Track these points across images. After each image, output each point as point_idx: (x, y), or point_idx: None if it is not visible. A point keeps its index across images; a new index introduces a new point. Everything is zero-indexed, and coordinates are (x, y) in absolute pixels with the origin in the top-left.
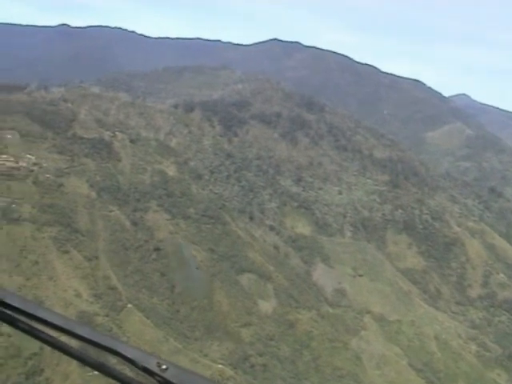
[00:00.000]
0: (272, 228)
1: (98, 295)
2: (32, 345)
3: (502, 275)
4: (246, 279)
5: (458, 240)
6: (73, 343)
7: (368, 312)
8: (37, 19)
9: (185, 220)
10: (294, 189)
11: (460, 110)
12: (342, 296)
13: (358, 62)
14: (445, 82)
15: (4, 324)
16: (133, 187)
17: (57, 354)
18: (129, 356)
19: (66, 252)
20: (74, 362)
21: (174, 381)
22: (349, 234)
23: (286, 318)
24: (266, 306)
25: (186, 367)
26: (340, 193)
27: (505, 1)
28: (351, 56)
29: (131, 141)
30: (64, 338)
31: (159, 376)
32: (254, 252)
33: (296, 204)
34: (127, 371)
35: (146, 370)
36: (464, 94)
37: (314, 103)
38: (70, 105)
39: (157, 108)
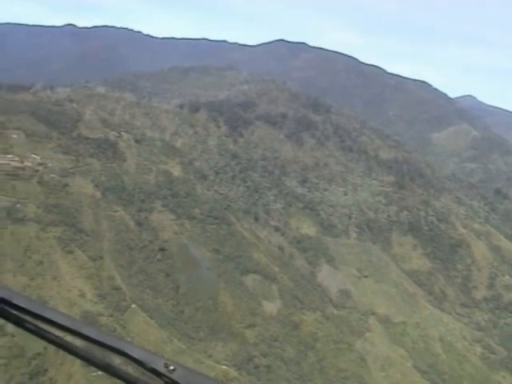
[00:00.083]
0: (277, 229)
1: (103, 295)
2: (36, 345)
3: (507, 277)
4: (250, 280)
5: (463, 242)
6: (78, 343)
7: (373, 313)
8: (43, 19)
9: (190, 220)
10: (300, 190)
11: (466, 111)
12: (346, 297)
13: (363, 63)
14: (451, 83)
15: (8, 324)
16: (138, 187)
17: (61, 354)
18: (136, 357)
19: (71, 252)
20: (78, 362)
21: (181, 382)
22: (354, 235)
23: (290, 319)
24: (271, 306)
25: (194, 368)
26: (345, 194)
27: (505, 1)
28: (357, 57)
29: (136, 141)
30: (69, 338)
31: (167, 377)
32: (258, 253)
33: (301, 205)
34: (131, 371)
35: (153, 371)
36: (470, 96)
37: (319, 104)
38: (75, 105)
39: (162, 108)
